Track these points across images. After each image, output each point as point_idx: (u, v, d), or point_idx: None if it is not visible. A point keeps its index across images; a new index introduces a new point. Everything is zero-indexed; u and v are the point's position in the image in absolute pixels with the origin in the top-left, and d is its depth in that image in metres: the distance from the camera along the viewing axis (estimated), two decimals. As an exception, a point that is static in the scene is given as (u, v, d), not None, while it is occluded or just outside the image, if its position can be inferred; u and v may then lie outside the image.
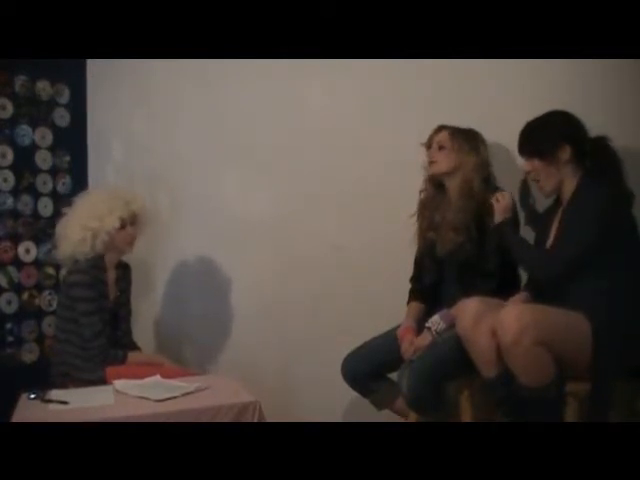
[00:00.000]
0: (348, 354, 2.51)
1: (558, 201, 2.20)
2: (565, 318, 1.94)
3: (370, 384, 2.49)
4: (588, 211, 2.01)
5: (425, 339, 2.31)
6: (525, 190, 2.32)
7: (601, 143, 2.11)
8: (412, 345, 2.33)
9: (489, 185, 2.39)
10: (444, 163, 2.42)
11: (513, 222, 2.25)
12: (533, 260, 2.15)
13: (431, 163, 2.45)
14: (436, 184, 2.48)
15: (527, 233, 2.34)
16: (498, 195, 2.26)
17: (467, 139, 2.41)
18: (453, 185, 2.42)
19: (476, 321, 2.04)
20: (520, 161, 2.40)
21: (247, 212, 3.25)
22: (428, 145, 2.47)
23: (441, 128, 2.45)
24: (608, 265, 2.01)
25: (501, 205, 2.24)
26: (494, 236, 2.28)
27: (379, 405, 2.52)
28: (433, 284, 2.50)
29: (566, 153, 2.10)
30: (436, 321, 2.32)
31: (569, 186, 2.12)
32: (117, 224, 2.78)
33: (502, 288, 2.26)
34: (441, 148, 2.42)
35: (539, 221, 2.29)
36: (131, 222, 2.85)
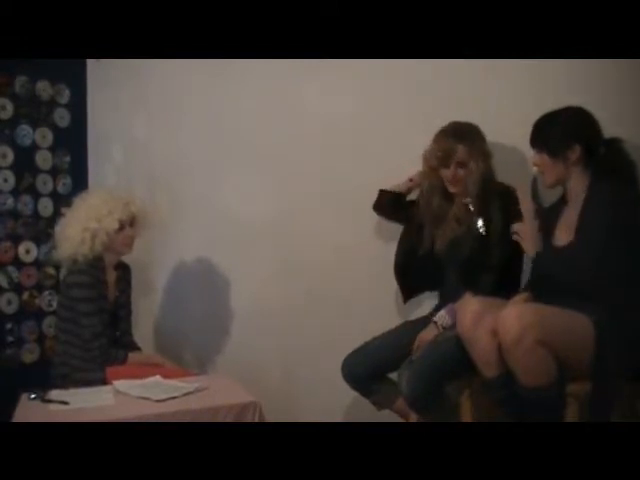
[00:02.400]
0: (348, 355, 2.51)
1: (563, 198, 2.18)
2: (567, 318, 1.94)
3: (370, 385, 2.49)
4: (609, 217, 1.98)
5: (430, 333, 2.32)
6: (535, 187, 2.30)
7: (615, 145, 2.09)
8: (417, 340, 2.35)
9: (491, 177, 2.38)
10: (465, 180, 2.37)
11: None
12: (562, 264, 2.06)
13: (454, 182, 2.39)
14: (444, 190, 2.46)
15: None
16: (515, 228, 2.15)
17: (481, 145, 2.37)
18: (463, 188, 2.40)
19: (476, 321, 2.03)
20: (521, 161, 2.42)
21: (247, 212, 3.25)
22: (445, 163, 2.37)
23: (457, 140, 2.35)
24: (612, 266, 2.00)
25: (523, 236, 2.12)
26: (497, 229, 2.27)
27: (380, 405, 2.52)
28: (430, 279, 2.53)
29: (576, 153, 2.08)
30: (442, 316, 2.33)
31: (576, 185, 2.10)
32: (116, 226, 2.78)
33: (504, 283, 2.26)
34: (462, 166, 2.36)
35: (543, 216, 2.27)
36: (130, 224, 2.85)
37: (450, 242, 2.43)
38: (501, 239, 2.27)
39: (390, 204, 2.66)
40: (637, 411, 1.98)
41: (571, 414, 1.93)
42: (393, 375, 2.46)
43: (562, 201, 2.20)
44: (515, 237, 2.13)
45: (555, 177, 2.13)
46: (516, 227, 2.15)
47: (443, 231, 2.44)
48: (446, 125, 2.41)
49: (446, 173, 2.39)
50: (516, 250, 2.30)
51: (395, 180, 2.68)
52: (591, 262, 1.99)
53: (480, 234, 2.30)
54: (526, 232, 2.13)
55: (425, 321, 2.46)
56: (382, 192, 2.67)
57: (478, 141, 2.38)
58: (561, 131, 2.09)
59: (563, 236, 2.12)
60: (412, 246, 2.55)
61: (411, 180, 2.57)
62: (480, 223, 2.29)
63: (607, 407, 1.91)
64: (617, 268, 1.97)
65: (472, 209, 2.33)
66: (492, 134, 2.42)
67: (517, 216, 2.31)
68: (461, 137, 2.36)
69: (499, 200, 2.31)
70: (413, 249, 2.54)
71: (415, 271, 2.58)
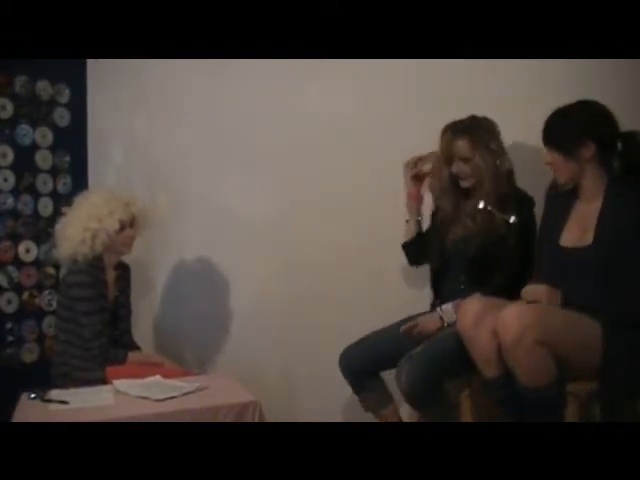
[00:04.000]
0: (346, 347, 2.50)
1: (574, 192, 2.13)
2: (568, 319, 1.93)
3: (364, 380, 2.48)
4: (629, 219, 1.96)
5: (433, 323, 2.32)
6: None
7: (633, 139, 2.04)
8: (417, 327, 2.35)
9: (504, 176, 2.34)
10: (474, 175, 2.34)
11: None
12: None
13: (461, 178, 2.37)
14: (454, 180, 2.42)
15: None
16: (531, 294, 2.04)
17: (485, 139, 2.32)
18: (476, 183, 2.36)
19: (477, 321, 2.02)
20: (520, 161, 2.41)
21: (247, 212, 3.25)
22: (448, 159, 2.36)
23: (456, 136, 2.33)
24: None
25: (546, 300, 2.01)
26: (512, 234, 2.25)
27: (367, 405, 2.50)
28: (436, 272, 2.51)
29: (590, 151, 2.02)
30: (448, 311, 2.31)
31: (592, 183, 2.06)
32: (116, 226, 2.78)
33: (512, 287, 2.23)
34: (466, 161, 2.33)
35: (548, 207, 2.24)
36: (130, 224, 2.85)
37: (461, 240, 2.40)
38: (516, 244, 2.25)
39: (417, 250, 2.59)
40: (637, 411, 1.98)
41: (571, 414, 1.93)
42: (390, 373, 2.45)
43: (572, 196, 2.13)
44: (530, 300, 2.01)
45: (568, 175, 2.08)
46: (531, 290, 2.05)
47: (455, 228, 2.42)
48: (455, 120, 2.37)
49: (452, 170, 2.37)
50: (526, 255, 2.29)
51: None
52: (606, 264, 1.97)
53: (493, 236, 2.27)
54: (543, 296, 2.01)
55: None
56: (404, 246, 2.61)
57: (482, 135, 2.32)
58: (573, 128, 2.03)
59: (574, 236, 2.09)
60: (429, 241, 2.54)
61: (413, 198, 2.53)
62: (513, 219, 2.23)
63: (615, 409, 1.90)
64: (632, 270, 1.95)
65: (490, 209, 2.27)
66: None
67: (530, 223, 2.29)
68: (461, 132, 2.32)
69: (516, 205, 2.28)
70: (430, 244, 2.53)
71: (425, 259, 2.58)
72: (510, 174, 2.36)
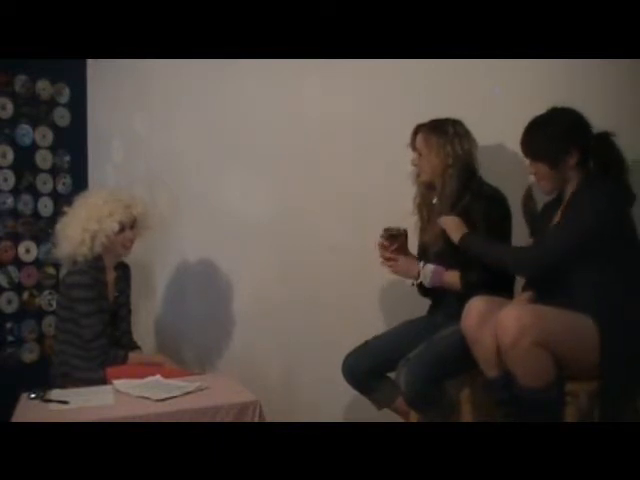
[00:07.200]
0: (348, 353, 2.51)
1: (558, 198, 2.15)
2: (567, 319, 1.93)
3: (370, 382, 2.48)
4: (584, 210, 1.98)
5: (407, 271, 2.39)
6: (528, 196, 2.28)
7: (604, 140, 2.05)
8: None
9: (473, 181, 2.36)
10: (426, 171, 2.40)
11: (471, 234, 2.22)
12: (512, 257, 2.12)
13: (419, 170, 2.45)
14: (427, 185, 2.47)
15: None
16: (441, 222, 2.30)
17: (440, 137, 2.35)
18: (438, 186, 2.41)
19: (481, 321, 2.02)
20: (520, 162, 2.41)
21: (247, 212, 3.25)
22: (413, 149, 2.45)
23: (418, 130, 2.43)
24: (606, 265, 1.99)
25: (448, 227, 2.26)
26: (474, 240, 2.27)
27: (379, 404, 2.52)
28: None
29: (574, 158, 2.04)
30: (426, 272, 2.34)
31: (573, 186, 2.08)
32: (116, 228, 2.78)
33: (491, 283, 2.23)
34: (420, 154, 2.41)
35: (537, 217, 2.25)
36: (130, 226, 2.84)
37: (431, 240, 2.43)
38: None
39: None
40: (637, 411, 1.99)
41: (570, 414, 1.93)
42: (392, 375, 2.46)
43: (557, 201, 2.16)
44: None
45: (554, 184, 2.09)
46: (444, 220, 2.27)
47: (428, 240, 2.45)
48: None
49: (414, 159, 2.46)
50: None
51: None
52: (557, 251, 2.00)
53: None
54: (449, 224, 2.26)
55: (425, 321, 2.47)
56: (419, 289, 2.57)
57: (435, 135, 2.36)
58: (556, 138, 2.04)
59: None
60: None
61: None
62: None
63: (616, 407, 1.90)
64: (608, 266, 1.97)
65: (436, 203, 2.39)
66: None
67: (504, 222, 2.30)
68: (423, 128, 2.40)
69: (477, 202, 2.29)
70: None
71: None
72: (469, 180, 2.34)
